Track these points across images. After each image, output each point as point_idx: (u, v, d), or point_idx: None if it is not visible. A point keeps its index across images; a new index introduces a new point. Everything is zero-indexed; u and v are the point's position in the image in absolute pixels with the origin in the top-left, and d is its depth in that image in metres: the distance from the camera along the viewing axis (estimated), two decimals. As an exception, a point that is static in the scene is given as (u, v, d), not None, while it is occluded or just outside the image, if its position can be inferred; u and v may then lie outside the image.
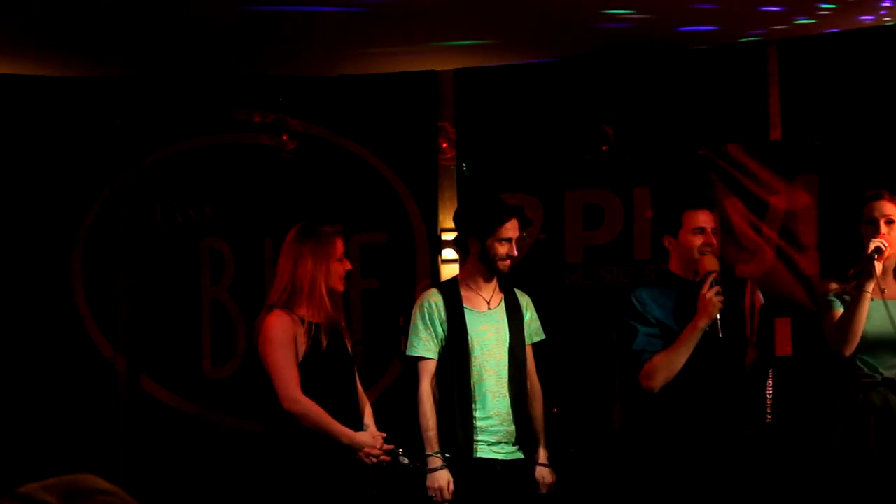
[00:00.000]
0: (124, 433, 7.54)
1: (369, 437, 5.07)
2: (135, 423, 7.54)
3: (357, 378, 5.28)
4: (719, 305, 4.96)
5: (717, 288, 4.98)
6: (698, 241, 5.14)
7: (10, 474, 6.81)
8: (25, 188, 7.51)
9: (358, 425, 5.16)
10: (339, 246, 5.13)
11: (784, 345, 6.85)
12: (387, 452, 5.13)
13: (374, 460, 5.04)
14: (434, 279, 7.35)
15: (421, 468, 5.28)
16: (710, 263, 5.08)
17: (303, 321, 5.05)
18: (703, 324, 4.99)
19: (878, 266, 5.05)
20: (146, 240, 7.63)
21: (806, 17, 6.46)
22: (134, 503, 1.52)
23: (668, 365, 5.06)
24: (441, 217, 7.57)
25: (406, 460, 5.43)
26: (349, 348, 5.25)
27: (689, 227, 5.17)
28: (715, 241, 5.19)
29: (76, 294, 7.58)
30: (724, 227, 6.92)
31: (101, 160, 7.60)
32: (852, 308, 5.07)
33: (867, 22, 6.54)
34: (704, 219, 5.19)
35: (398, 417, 5.38)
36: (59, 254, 7.56)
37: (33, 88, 7.51)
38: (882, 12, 6.38)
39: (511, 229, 5.24)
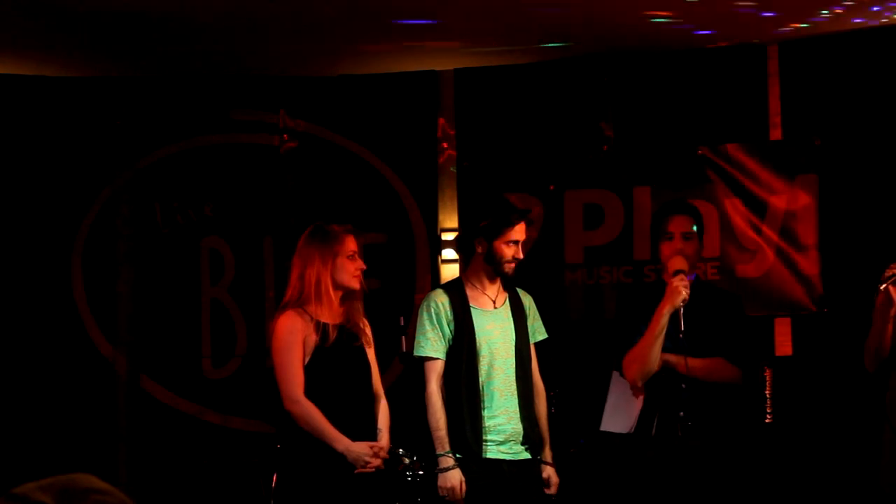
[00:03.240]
0: (124, 433, 7.55)
1: (365, 447, 5.02)
2: (135, 423, 7.55)
3: (376, 380, 5.24)
4: (683, 294, 5.02)
5: (683, 278, 5.06)
6: (667, 249, 5.26)
7: (10, 474, 6.81)
8: (26, 188, 7.51)
9: (368, 426, 5.12)
10: (349, 244, 5.10)
11: (784, 345, 6.86)
12: (389, 452, 5.11)
13: (364, 469, 5.01)
14: (434, 279, 7.35)
15: (425, 467, 5.27)
16: (679, 262, 5.16)
17: (314, 320, 5.04)
18: (666, 309, 5.06)
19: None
20: (146, 240, 7.63)
21: (804, 20, 6.47)
22: (130, 502, 1.51)
23: (639, 356, 5.14)
24: (441, 217, 7.57)
25: (407, 460, 5.41)
26: (367, 350, 5.20)
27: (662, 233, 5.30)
28: (680, 246, 5.22)
29: (76, 294, 7.58)
30: (724, 227, 6.93)
31: (101, 160, 7.60)
32: (874, 329, 5.08)
33: (865, 23, 6.54)
34: (674, 225, 5.27)
35: (398, 417, 5.37)
36: (59, 253, 7.56)
37: (33, 88, 7.51)
38: (875, 8, 6.38)
39: (519, 232, 5.23)
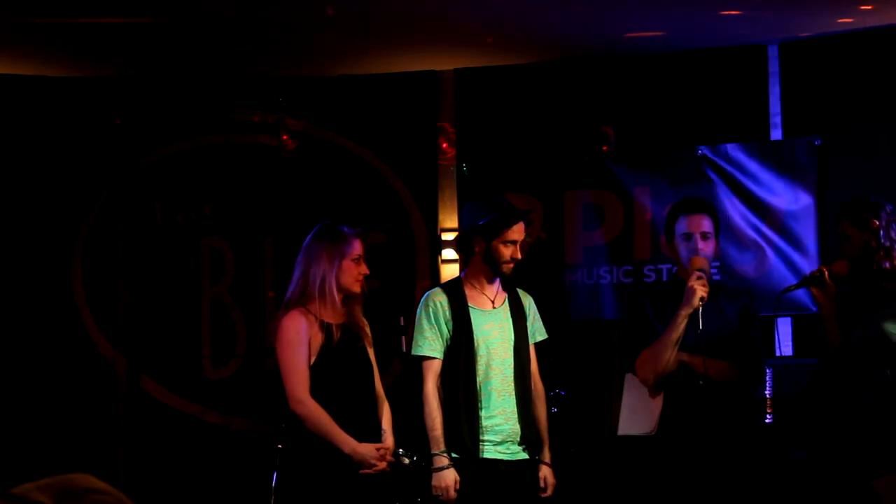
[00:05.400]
0: (124, 433, 7.55)
1: (372, 449, 5.02)
2: (135, 423, 7.55)
3: (377, 380, 5.24)
4: (701, 293, 4.99)
5: (702, 278, 5.02)
6: (684, 249, 5.19)
7: (10, 474, 6.81)
8: (26, 188, 7.52)
9: (373, 426, 5.12)
10: (356, 247, 5.09)
11: (784, 345, 6.86)
12: (390, 454, 5.11)
13: (371, 471, 5.01)
14: (434, 279, 7.36)
15: (425, 467, 5.27)
16: (700, 262, 5.10)
17: (318, 319, 5.03)
18: (685, 311, 5.03)
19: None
20: (146, 240, 7.63)
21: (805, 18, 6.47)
22: (129, 503, 1.51)
23: (655, 357, 5.09)
24: (441, 217, 7.57)
25: (407, 460, 5.41)
26: (369, 352, 5.20)
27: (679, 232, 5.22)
28: (699, 245, 5.16)
29: (76, 294, 7.58)
30: (724, 227, 6.93)
31: (101, 160, 7.61)
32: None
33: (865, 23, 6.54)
34: (693, 224, 5.20)
35: (398, 418, 5.37)
36: (59, 254, 7.57)
37: (33, 88, 7.51)
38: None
39: (517, 232, 5.22)
